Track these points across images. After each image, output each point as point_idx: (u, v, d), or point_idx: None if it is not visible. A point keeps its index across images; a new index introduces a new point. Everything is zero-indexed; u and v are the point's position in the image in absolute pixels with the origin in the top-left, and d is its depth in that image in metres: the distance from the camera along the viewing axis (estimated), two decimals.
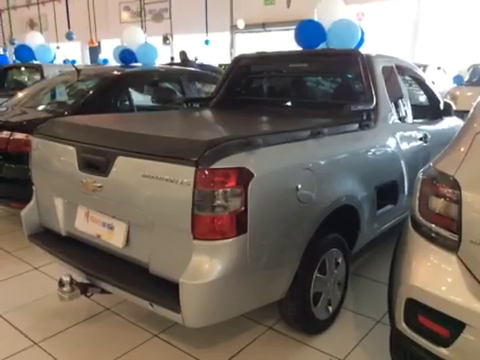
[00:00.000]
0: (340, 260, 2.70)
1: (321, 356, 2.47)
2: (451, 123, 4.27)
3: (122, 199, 2.20)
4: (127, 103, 4.37)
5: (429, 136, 3.67)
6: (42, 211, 2.80)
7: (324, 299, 2.59)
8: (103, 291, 2.41)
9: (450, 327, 1.62)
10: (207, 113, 3.44)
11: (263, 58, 3.72)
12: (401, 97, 3.40)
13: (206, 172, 1.86)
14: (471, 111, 1.94)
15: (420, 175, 1.87)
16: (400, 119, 3.32)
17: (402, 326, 1.81)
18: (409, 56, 16.94)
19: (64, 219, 2.63)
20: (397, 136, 3.18)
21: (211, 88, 5.42)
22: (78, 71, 4.54)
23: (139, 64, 5.15)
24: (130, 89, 4.45)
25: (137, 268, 2.24)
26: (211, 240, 1.93)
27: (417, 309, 1.73)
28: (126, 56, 4.99)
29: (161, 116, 3.35)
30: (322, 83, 3.57)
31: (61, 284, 2.35)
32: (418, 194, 1.82)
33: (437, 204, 1.71)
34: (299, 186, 2.20)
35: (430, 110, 3.95)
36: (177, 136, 2.26)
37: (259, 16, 21.66)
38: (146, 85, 4.66)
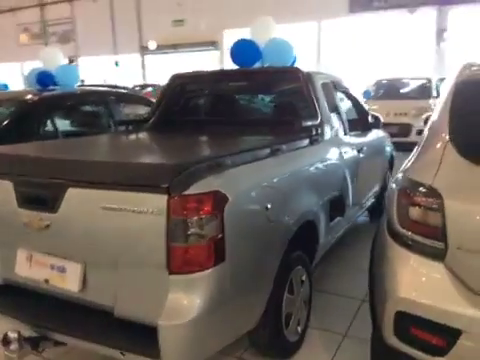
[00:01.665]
0: (304, 277, 2.65)
1: None
2: (378, 134, 4.50)
3: (75, 237, 1.95)
4: (51, 129, 4.00)
5: (364, 148, 3.81)
6: None
7: (294, 320, 2.52)
8: (57, 343, 2.11)
9: (445, 335, 1.62)
10: (151, 135, 3.24)
11: (201, 77, 3.63)
12: (339, 111, 3.49)
13: (180, 199, 1.71)
14: (433, 121, 2.01)
15: (394, 186, 1.88)
16: (342, 132, 3.40)
17: (393, 340, 1.78)
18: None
19: (3, 265, 2.28)
20: (341, 149, 3.25)
21: (138, 109, 5.22)
22: None
23: (58, 87, 4.78)
24: (53, 114, 4.08)
25: (98, 313, 1.98)
26: (188, 273, 1.76)
27: (408, 321, 1.72)
28: (44, 78, 4.61)
29: (103, 141, 3.09)
30: (264, 101, 3.55)
31: (5, 342, 2.00)
32: (395, 205, 1.82)
33: (418, 214, 1.72)
34: (268, 205, 2.12)
35: (360, 123, 4.12)
36: (140, 161, 2.06)
37: (169, 37, 21.67)
38: (71, 109, 4.31)
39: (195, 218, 1.73)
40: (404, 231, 1.78)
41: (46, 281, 2.09)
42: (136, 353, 1.82)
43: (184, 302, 1.75)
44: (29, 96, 4.13)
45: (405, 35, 17.20)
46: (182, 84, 3.66)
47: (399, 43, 17.18)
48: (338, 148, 3.21)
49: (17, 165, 2.16)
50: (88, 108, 4.53)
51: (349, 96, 4.02)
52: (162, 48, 22.34)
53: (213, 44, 21.76)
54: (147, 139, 3.11)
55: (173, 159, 1.95)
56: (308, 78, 3.13)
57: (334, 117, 3.33)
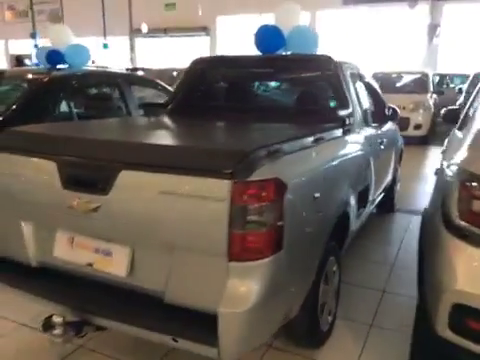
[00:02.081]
0: (335, 268, 2.65)
1: None
2: (392, 126, 4.52)
3: (125, 220, 1.90)
4: (65, 110, 3.89)
5: (385, 140, 3.82)
6: None
7: (326, 310, 2.52)
8: (98, 328, 2.06)
9: None
10: (182, 120, 3.15)
11: (226, 62, 3.55)
12: (364, 102, 3.48)
13: (243, 185, 1.67)
14: None
15: (454, 179, 1.87)
16: (366, 124, 3.40)
17: (447, 333, 1.79)
18: None
19: (35, 247, 2.21)
20: (368, 140, 3.25)
21: (146, 93, 5.11)
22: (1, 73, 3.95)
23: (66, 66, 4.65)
24: (68, 94, 3.97)
25: (145, 298, 1.94)
26: (248, 261, 1.73)
27: (466, 314, 1.73)
28: (54, 57, 4.46)
29: (138, 124, 3.00)
30: (293, 89, 3.50)
31: (48, 326, 1.96)
32: (456, 198, 1.82)
33: None
34: (316, 195, 2.11)
35: (379, 114, 4.12)
36: (200, 146, 2.00)
37: (160, 21, 21.31)
38: (85, 89, 4.19)
39: (258, 205, 1.69)
40: (465, 224, 1.78)
41: (89, 265, 2.03)
42: (190, 339, 1.78)
43: (244, 290, 1.73)
44: (42, 75, 4.00)
45: (398, 29, 17.28)
46: (205, 68, 3.59)
47: (392, 37, 17.26)
48: (365, 139, 3.21)
49: (63, 145, 2.08)
50: (101, 90, 4.42)
51: (369, 87, 4.01)
52: (152, 32, 21.96)
53: (205, 30, 21.51)
54: (182, 124, 2.99)
55: (230, 145, 1.90)
56: (340, 67, 3.10)
57: (361, 107, 3.31)
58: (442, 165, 2.60)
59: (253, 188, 1.68)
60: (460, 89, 10.38)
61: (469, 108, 3.03)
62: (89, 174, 1.95)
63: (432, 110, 9.79)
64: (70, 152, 2.02)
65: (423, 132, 9.24)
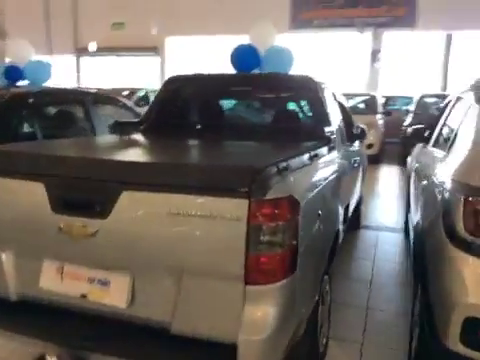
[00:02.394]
0: (327, 287, 2.62)
1: None
2: (359, 145, 4.63)
3: (127, 246, 1.76)
4: (28, 130, 3.65)
5: (358, 158, 3.90)
6: None
7: (323, 330, 2.47)
8: None
9: None
10: (165, 139, 3.00)
11: (204, 80, 3.49)
12: (340, 120, 3.54)
13: (261, 204, 1.60)
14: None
15: (457, 193, 1.91)
16: (342, 142, 3.45)
17: (458, 347, 1.80)
18: None
19: (16, 278, 2.00)
20: (347, 158, 3.29)
21: (109, 111, 4.92)
22: None
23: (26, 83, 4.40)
24: (30, 113, 3.73)
25: (148, 330, 1.80)
26: (266, 284, 1.65)
27: (479, 327, 1.74)
28: (12, 74, 4.21)
29: (126, 142, 2.82)
30: (275, 107, 3.48)
31: None
32: (461, 212, 1.85)
33: None
34: (319, 212, 2.07)
35: (349, 133, 4.21)
36: (213, 163, 1.90)
37: (108, 40, 20.94)
38: (49, 108, 3.95)
39: (275, 224, 1.63)
40: (471, 237, 1.81)
41: (83, 296, 1.86)
42: None
43: (262, 315, 1.64)
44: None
45: (343, 54, 18.08)
46: (182, 86, 3.51)
47: (337, 61, 18.00)
48: (345, 157, 3.25)
49: (52, 164, 1.91)
50: (65, 108, 4.19)
51: (341, 106, 4.09)
52: (100, 51, 21.53)
53: (154, 50, 21.38)
54: (169, 142, 2.82)
55: (239, 162, 1.83)
56: (319, 86, 3.14)
57: (339, 126, 3.36)
58: (424, 180, 2.67)
59: (270, 207, 1.62)
60: (407, 110, 10.92)
61: (443, 127, 3.15)
62: (85, 196, 1.80)
63: (382, 130, 10.22)
64: (61, 172, 1.85)
65: (375, 151, 9.58)
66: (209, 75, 3.48)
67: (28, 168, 1.92)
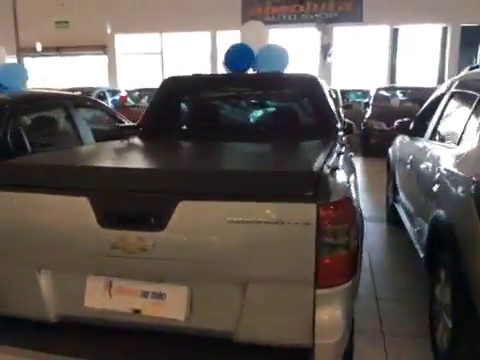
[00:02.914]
0: None
1: None
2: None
3: (185, 257, 1.70)
4: (16, 138, 3.42)
5: (352, 153, 3.98)
6: None
7: None
8: None
9: None
10: (183, 144, 2.90)
11: (205, 81, 3.42)
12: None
13: (327, 207, 1.60)
14: None
15: None
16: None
17: None
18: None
19: (56, 299, 1.89)
20: (349, 153, 3.35)
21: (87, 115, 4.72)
22: None
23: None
24: (11, 119, 3.49)
25: (207, 341, 1.76)
26: (334, 286, 1.66)
27: None
28: None
29: (148, 148, 2.71)
30: (282, 106, 3.47)
31: None
32: None
33: None
34: (359, 209, 2.10)
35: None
36: (271, 169, 1.87)
37: (52, 39, 20.08)
38: (30, 114, 3.72)
39: (340, 227, 1.63)
40: None
41: (136, 311, 1.79)
42: None
43: (333, 318, 1.66)
44: None
45: (295, 49, 18.39)
46: (182, 88, 3.43)
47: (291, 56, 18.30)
48: (348, 152, 3.31)
49: (97, 177, 1.81)
50: (48, 114, 3.98)
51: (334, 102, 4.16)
52: (44, 50, 20.58)
53: (103, 48, 20.74)
54: (194, 147, 2.73)
55: (299, 165, 1.81)
56: (322, 85, 3.17)
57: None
58: (434, 173, 2.77)
59: (336, 209, 1.62)
60: (366, 103, 11.29)
61: (442, 121, 3.28)
62: (138, 209, 1.73)
63: None
64: (109, 185, 1.76)
65: None
66: (212, 76, 3.42)
67: (69, 182, 1.81)
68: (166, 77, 3.40)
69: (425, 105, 4.06)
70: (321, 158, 1.94)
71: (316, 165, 1.77)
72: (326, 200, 1.61)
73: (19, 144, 3.38)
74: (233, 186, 1.67)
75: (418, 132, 3.86)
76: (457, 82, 3.23)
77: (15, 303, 1.94)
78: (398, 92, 11.27)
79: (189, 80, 3.42)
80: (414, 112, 4.53)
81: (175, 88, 3.39)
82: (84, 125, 4.16)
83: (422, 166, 3.19)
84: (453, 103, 3.16)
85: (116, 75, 20.76)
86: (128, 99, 13.46)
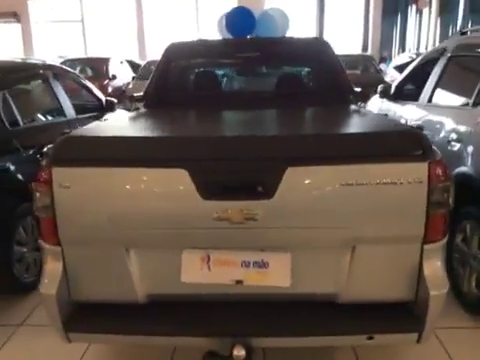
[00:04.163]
0: None
1: None
2: None
3: (294, 224, 1.68)
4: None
5: None
6: (79, 279, 1.80)
7: None
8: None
9: None
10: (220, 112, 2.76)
11: (210, 46, 3.26)
12: None
13: (436, 166, 1.66)
14: None
15: None
16: None
17: None
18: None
19: (147, 278, 1.78)
20: None
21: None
22: None
23: None
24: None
25: (307, 306, 1.78)
26: (437, 242, 1.74)
27: None
28: None
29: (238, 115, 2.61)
30: (298, 71, 3.41)
31: None
32: None
33: None
34: None
35: None
36: (381, 130, 1.86)
37: None
38: (12, 85, 3.32)
39: (443, 185, 1.68)
40: None
41: (238, 282, 1.74)
42: (388, 332, 1.73)
43: (440, 270, 1.75)
44: None
45: None
46: (184, 55, 3.26)
47: None
48: None
49: (199, 148, 1.70)
50: (28, 85, 3.59)
51: None
52: None
53: (14, 16, 18.88)
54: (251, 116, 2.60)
55: (392, 126, 1.82)
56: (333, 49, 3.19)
57: None
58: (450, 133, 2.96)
59: (442, 168, 1.68)
60: None
61: (438, 84, 3.46)
62: (244, 178, 1.66)
63: None
64: (211, 155, 1.67)
65: None
66: (217, 41, 3.27)
67: (166, 155, 1.69)
68: (170, 43, 3.20)
69: (408, 71, 4.25)
70: (387, 120, 1.98)
71: (405, 126, 1.81)
72: (434, 158, 1.67)
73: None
74: (343, 149, 1.67)
75: (405, 96, 4.06)
76: (452, 46, 3.40)
77: (102, 288, 1.81)
78: None
79: (197, 46, 3.27)
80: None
81: (180, 54, 3.23)
82: (64, 97, 3.84)
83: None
84: (454, 67, 3.35)
85: (32, 46, 19.10)
86: None
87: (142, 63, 12.83)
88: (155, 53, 16.11)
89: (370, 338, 1.72)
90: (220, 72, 3.43)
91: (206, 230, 1.68)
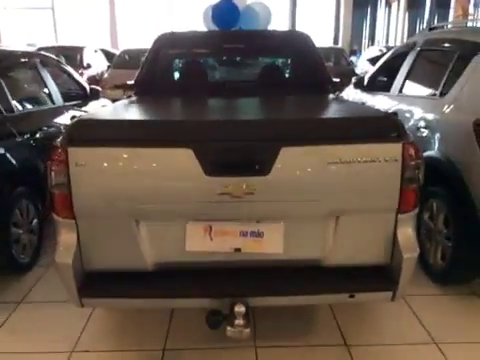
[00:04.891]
0: None
1: None
2: None
3: (285, 198, 1.92)
4: None
5: None
6: (92, 250, 1.98)
7: None
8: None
9: None
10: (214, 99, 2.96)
11: (198, 38, 3.43)
12: None
13: (409, 146, 1.92)
14: None
15: None
16: None
17: None
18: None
19: (155, 247, 1.98)
20: None
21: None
22: None
23: None
24: None
25: (297, 270, 2.03)
26: (409, 212, 2.01)
27: None
28: None
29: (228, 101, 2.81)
30: (273, 63, 3.60)
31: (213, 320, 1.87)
32: None
33: None
34: None
35: None
36: (360, 115, 2.10)
37: None
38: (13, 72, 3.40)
39: (415, 163, 1.94)
40: None
41: (237, 250, 1.97)
42: (370, 290, 1.99)
43: (411, 237, 2.01)
44: None
45: None
46: (174, 45, 3.43)
47: None
48: None
49: (204, 130, 1.91)
50: (18, 73, 3.67)
51: None
52: None
53: None
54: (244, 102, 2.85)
55: (371, 111, 2.06)
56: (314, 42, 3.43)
57: None
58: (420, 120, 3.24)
59: (414, 147, 1.94)
60: None
61: (408, 76, 3.75)
62: (244, 157, 1.88)
63: None
64: (214, 136, 1.88)
65: None
66: (206, 33, 3.46)
67: (174, 136, 1.88)
68: (160, 33, 3.36)
69: (380, 63, 4.53)
70: (366, 107, 2.23)
71: (382, 111, 2.06)
72: (407, 140, 1.92)
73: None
74: (330, 132, 1.91)
75: (378, 87, 4.34)
76: (422, 41, 3.69)
77: (114, 257, 2.00)
78: None
79: (186, 36, 3.44)
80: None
81: (170, 44, 3.39)
82: (52, 85, 3.94)
83: None
84: (423, 60, 3.64)
85: None
86: None
87: (116, 52, 12.77)
88: (127, 42, 16.09)
89: (351, 296, 1.98)
90: (208, 62, 3.61)
91: (208, 203, 1.89)
